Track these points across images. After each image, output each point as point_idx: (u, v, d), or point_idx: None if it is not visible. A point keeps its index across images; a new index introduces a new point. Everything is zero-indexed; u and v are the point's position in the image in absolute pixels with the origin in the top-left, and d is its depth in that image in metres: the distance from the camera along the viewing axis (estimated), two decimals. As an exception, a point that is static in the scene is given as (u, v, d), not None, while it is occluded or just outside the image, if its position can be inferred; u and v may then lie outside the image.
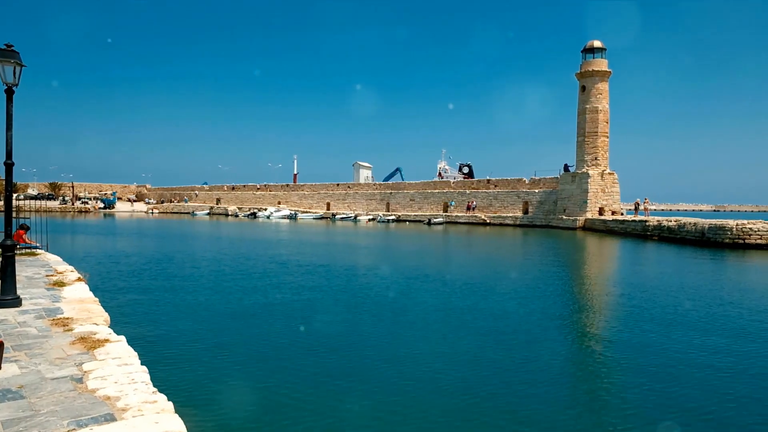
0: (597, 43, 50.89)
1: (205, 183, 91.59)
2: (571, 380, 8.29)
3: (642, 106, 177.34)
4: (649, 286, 16.84)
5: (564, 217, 50.38)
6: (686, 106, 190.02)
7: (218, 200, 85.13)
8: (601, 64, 50.51)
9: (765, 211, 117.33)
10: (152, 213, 79.83)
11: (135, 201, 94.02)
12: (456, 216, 59.12)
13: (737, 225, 30.58)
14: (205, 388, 7.22)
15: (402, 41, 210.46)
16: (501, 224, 54.82)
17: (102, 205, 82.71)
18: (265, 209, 73.46)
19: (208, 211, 79.40)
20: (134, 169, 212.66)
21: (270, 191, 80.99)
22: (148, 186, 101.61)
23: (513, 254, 29.14)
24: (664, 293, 15.25)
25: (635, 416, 6.68)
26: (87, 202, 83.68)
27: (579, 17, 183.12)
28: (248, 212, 73.94)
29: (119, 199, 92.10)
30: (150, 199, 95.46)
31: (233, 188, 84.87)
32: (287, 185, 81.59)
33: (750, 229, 30.07)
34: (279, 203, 77.61)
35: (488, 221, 56.27)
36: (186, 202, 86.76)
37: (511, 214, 56.14)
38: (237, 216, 72.83)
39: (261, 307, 12.74)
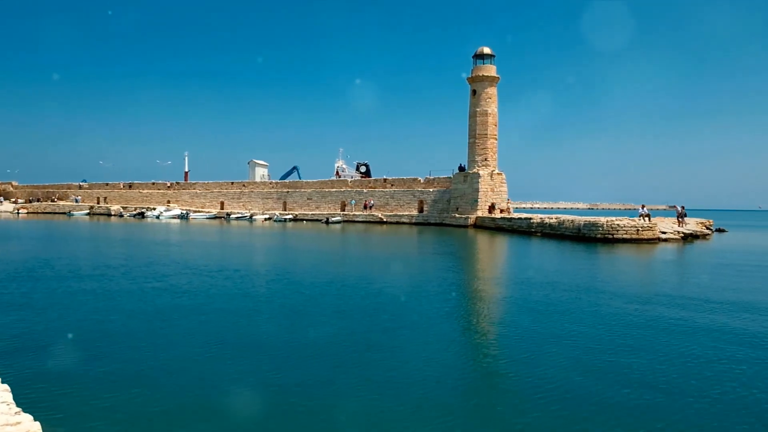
0: (486, 50, 53.61)
1: (84, 181, 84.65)
2: (461, 370, 8.64)
3: (529, 111, 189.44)
4: (533, 277, 18.03)
5: (457, 215, 52.58)
6: (563, 111, 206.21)
7: (104, 199, 78.92)
8: (490, 69, 53.29)
9: (630, 209, 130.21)
10: (19, 213, 72.21)
11: None
12: (354, 215, 59.59)
13: (607, 222, 33.70)
14: (77, 405, 6.64)
15: (300, 37, 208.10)
16: (397, 222, 56.08)
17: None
18: (154, 209, 69.28)
19: (87, 210, 73.40)
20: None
21: (158, 189, 76.67)
22: (15, 183, 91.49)
23: (407, 252, 29.89)
24: (545, 283, 16.38)
25: (526, 407, 7.10)
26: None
27: (472, 21, 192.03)
28: (134, 212, 69.32)
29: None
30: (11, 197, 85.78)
31: (131, 186, 79.32)
32: (178, 183, 77.70)
33: (618, 225, 33.27)
34: (169, 202, 73.54)
35: (385, 220, 57.31)
36: (77, 201, 79.24)
37: (407, 213, 57.60)
38: (122, 216, 67.97)
39: (139, 314, 11.97)
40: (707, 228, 43.50)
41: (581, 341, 9.96)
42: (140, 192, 77.54)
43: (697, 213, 78.35)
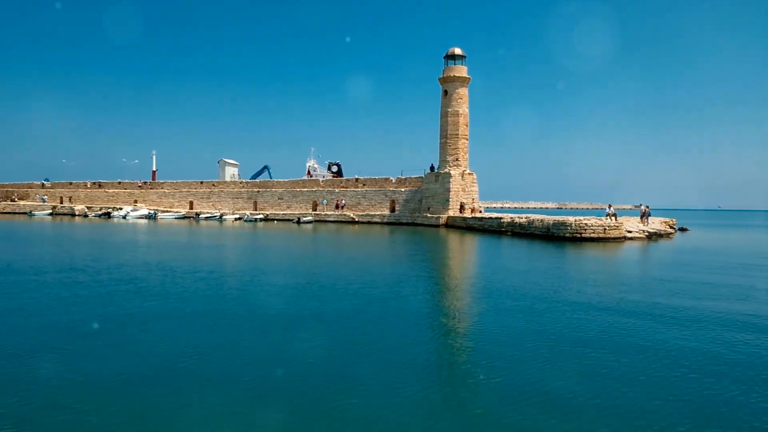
0: (458, 51, 54.05)
1: (47, 179, 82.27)
2: (432, 371, 8.73)
3: (500, 111, 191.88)
4: (506, 278, 18.30)
5: (428, 214, 52.89)
6: (534, 114, 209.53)
7: (68, 199, 76.67)
8: (461, 70, 53.74)
9: (598, 209, 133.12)
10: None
11: None
12: (325, 215, 59.38)
13: (576, 221, 34.39)
14: (37, 414, 6.47)
15: (272, 35, 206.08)
16: (369, 222, 56.10)
17: None
18: (120, 208, 67.71)
19: (49, 210, 71.32)
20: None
21: (125, 189, 74.98)
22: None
23: (380, 253, 29.96)
24: (519, 285, 16.66)
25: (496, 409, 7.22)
26: None
27: (445, 22, 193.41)
28: (100, 212, 67.60)
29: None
30: None
31: (100, 185, 77.31)
32: (145, 183, 76.14)
33: (585, 224, 34.01)
34: (135, 202, 72.01)
35: (357, 219, 57.28)
36: (44, 201, 76.72)
37: (379, 213, 57.67)
38: (86, 216, 66.21)
39: (107, 318, 11.70)
40: (671, 227, 44.84)
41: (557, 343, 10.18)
42: (106, 191, 75.72)
43: (661, 213, 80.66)
